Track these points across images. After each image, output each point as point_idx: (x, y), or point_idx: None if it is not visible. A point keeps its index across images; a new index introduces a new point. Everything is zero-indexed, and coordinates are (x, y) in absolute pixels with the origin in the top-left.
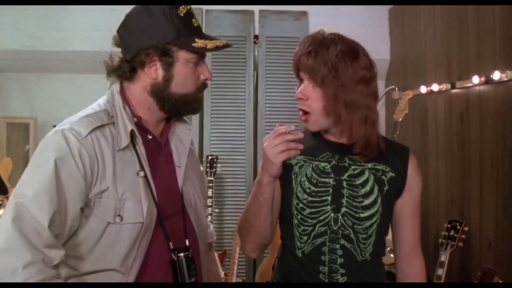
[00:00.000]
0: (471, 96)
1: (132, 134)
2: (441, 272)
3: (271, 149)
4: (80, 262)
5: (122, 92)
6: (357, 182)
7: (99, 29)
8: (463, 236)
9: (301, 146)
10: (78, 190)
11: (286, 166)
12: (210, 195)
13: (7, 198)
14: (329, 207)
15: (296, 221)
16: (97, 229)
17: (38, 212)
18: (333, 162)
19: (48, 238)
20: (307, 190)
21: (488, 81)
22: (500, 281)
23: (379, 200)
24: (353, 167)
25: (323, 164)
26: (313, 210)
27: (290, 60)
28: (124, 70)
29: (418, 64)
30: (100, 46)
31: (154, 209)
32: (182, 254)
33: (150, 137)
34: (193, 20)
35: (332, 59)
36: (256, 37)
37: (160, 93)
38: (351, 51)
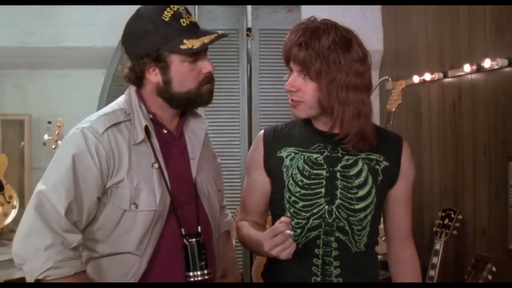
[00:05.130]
0: (463, 85)
1: (146, 129)
2: (435, 260)
3: (282, 253)
4: (100, 245)
5: (138, 92)
6: (351, 173)
7: (92, 25)
8: (457, 224)
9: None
10: (94, 182)
11: (277, 159)
12: None
13: (3, 194)
14: (322, 199)
15: (288, 215)
16: (114, 215)
17: (56, 200)
18: (326, 153)
19: (66, 224)
20: (300, 183)
21: (480, 69)
22: (494, 268)
23: (374, 191)
24: (346, 157)
25: (315, 156)
26: (306, 203)
27: None
28: (131, 78)
29: (410, 54)
30: (93, 41)
31: (167, 198)
32: (194, 239)
33: (166, 131)
34: (181, 20)
35: (325, 51)
36: (249, 29)
37: (164, 94)
38: (344, 41)
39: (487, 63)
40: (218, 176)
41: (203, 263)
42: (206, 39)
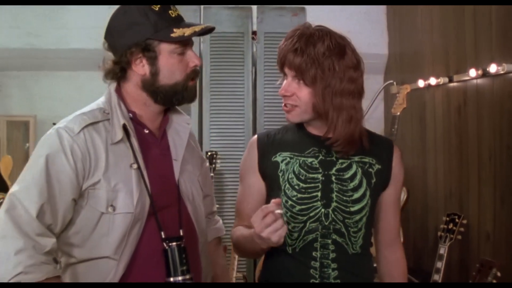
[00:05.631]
0: (468, 90)
1: (125, 128)
2: (440, 265)
3: (273, 235)
4: (77, 250)
5: (118, 90)
6: (346, 176)
7: (98, 27)
8: (462, 229)
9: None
10: (69, 183)
11: (272, 164)
12: None
13: None
14: (319, 202)
15: (285, 219)
16: (91, 218)
17: (28, 203)
18: (320, 157)
19: (39, 227)
20: (296, 187)
21: (485, 74)
22: (498, 273)
23: (368, 193)
24: (340, 161)
25: (310, 160)
26: (303, 206)
27: None
28: (115, 71)
29: (415, 58)
30: (99, 43)
31: (146, 200)
32: (174, 243)
33: (147, 131)
34: (170, 11)
35: (320, 58)
36: (254, 33)
37: (150, 87)
38: (339, 48)
39: (492, 68)
40: (206, 181)
41: (184, 267)
42: (196, 28)
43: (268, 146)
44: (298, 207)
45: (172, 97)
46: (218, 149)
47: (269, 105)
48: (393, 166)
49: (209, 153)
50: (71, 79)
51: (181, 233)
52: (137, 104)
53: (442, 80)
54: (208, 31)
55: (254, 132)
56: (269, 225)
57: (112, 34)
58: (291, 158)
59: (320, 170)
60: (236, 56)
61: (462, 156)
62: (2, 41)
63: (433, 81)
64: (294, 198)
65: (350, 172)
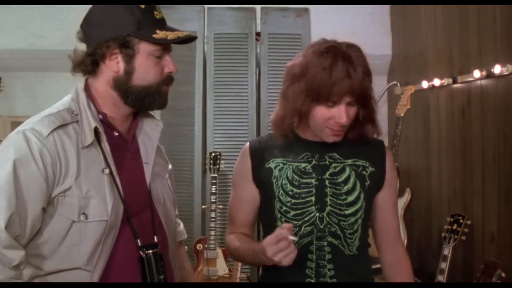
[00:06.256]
0: (472, 91)
1: (96, 131)
2: (444, 265)
3: (285, 259)
4: (45, 261)
5: (87, 89)
6: (339, 180)
7: None
8: (466, 230)
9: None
10: (39, 190)
11: (266, 170)
12: (213, 191)
13: None
14: (313, 207)
15: (280, 224)
16: (62, 227)
17: None
18: (314, 161)
19: (6, 239)
20: (290, 193)
21: (489, 75)
22: (503, 274)
23: (362, 196)
24: (334, 165)
25: (303, 165)
26: (297, 212)
27: (292, 57)
28: (87, 64)
29: (419, 59)
30: None
31: (120, 206)
32: (150, 251)
33: (117, 133)
34: (155, 12)
35: (365, 81)
36: (258, 34)
37: (122, 86)
38: (367, 67)
39: (497, 69)
40: (172, 182)
41: (161, 276)
42: (180, 34)
43: (260, 153)
44: (292, 212)
45: (144, 100)
46: (222, 150)
47: (273, 106)
48: (386, 169)
49: (213, 154)
50: (76, 80)
51: (156, 240)
52: (106, 104)
53: (446, 81)
54: (191, 39)
55: (258, 133)
56: (282, 250)
57: (90, 24)
58: (284, 164)
59: (314, 175)
60: (240, 57)
61: (466, 157)
62: (7, 42)
63: (437, 82)
64: (288, 204)
65: (344, 176)
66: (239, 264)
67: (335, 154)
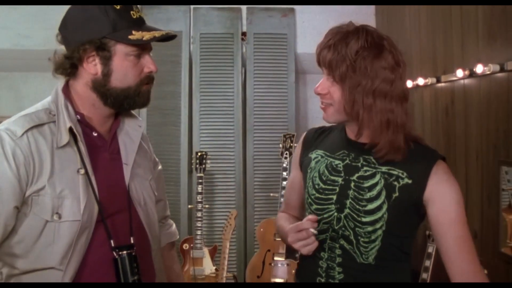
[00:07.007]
0: (455, 90)
1: (72, 131)
2: (428, 263)
3: (303, 249)
4: (20, 261)
5: (66, 90)
6: (365, 185)
7: None
8: None
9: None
10: (11, 189)
11: (307, 159)
12: (200, 191)
13: None
14: (333, 206)
15: (308, 213)
16: (35, 227)
17: None
18: (347, 160)
19: None
20: (316, 187)
21: (472, 74)
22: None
23: (385, 207)
24: (365, 168)
25: (336, 162)
26: (318, 206)
27: (278, 57)
28: (65, 67)
29: (404, 59)
30: None
31: (94, 207)
32: (125, 252)
33: (95, 134)
34: (132, 12)
35: (352, 56)
36: (244, 34)
37: (101, 88)
38: (375, 47)
39: (479, 69)
40: (159, 185)
41: (135, 277)
42: (157, 33)
43: (310, 142)
44: (315, 206)
45: (123, 101)
46: (208, 150)
47: (259, 105)
48: (429, 184)
49: (199, 154)
50: (60, 80)
51: (132, 241)
52: (85, 105)
53: (430, 80)
54: (169, 38)
55: (244, 133)
56: (301, 240)
57: (66, 27)
58: (322, 157)
59: (342, 174)
60: (226, 56)
61: (450, 155)
62: None
63: (421, 81)
64: (312, 197)
65: (371, 182)
66: (225, 263)
67: (371, 158)
